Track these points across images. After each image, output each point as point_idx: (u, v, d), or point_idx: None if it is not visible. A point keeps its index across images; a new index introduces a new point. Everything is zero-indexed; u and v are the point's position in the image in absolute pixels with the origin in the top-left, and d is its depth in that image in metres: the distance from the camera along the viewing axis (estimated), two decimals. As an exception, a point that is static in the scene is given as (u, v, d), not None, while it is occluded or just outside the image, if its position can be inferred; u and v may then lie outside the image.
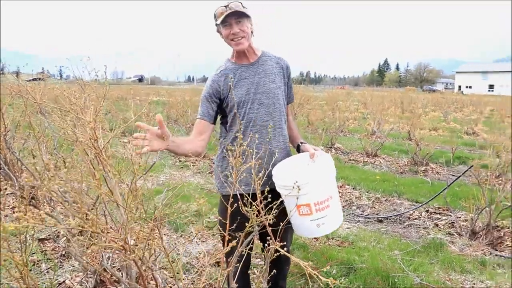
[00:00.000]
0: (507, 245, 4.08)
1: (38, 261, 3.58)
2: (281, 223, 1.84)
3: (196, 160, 8.08)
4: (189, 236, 4.21)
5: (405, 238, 4.30)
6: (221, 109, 2.38)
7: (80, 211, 1.34)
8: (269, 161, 2.32)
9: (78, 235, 3.31)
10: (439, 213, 5.11)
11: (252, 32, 2.35)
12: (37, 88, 3.36)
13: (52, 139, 3.54)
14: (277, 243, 1.52)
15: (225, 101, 2.34)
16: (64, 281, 3.27)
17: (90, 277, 3.13)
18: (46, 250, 3.76)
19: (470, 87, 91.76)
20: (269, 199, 1.71)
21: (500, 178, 6.70)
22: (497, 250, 3.96)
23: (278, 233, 1.80)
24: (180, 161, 8.06)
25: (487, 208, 4.12)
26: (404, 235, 4.42)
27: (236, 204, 1.69)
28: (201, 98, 2.37)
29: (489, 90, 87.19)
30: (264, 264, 1.68)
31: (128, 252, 1.32)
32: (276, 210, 1.65)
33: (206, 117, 2.30)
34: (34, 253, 3.66)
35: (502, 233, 4.30)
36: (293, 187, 1.77)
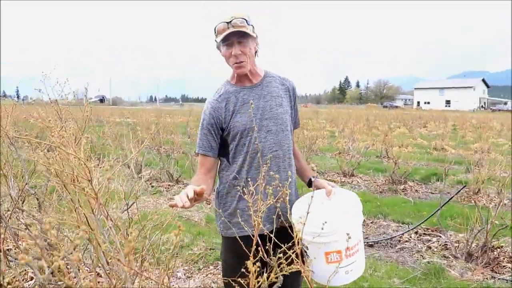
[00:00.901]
0: (504, 266, 3.96)
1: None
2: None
3: (169, 185, 7.72)
4: (172, 272, 3.87)
5: (402, 264, 4.11)
6: (221, 138, 2.12)
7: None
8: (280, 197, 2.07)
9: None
10: (429, 234, 4.98)
11: (256, 52, 2.10)
12: (3, 112, 2.99)
13: (22, 170, 3.15)
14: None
15: (226, 130, 2.06)
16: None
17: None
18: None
19: (429, 102, 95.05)
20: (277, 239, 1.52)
21: (479, 195, 6.71)
22: (496, 273, 3.83)
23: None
24: (152, 186, 7.68)
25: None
26: (398, 260, 4.23)
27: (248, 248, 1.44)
28: (200, 128, 2.08)
29: (446, 106, 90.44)
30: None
31: None
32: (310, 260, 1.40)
33: (210, 152, 2.04)
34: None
35: (497, 254, 4.20)
36: (323, 229, 1.52)
